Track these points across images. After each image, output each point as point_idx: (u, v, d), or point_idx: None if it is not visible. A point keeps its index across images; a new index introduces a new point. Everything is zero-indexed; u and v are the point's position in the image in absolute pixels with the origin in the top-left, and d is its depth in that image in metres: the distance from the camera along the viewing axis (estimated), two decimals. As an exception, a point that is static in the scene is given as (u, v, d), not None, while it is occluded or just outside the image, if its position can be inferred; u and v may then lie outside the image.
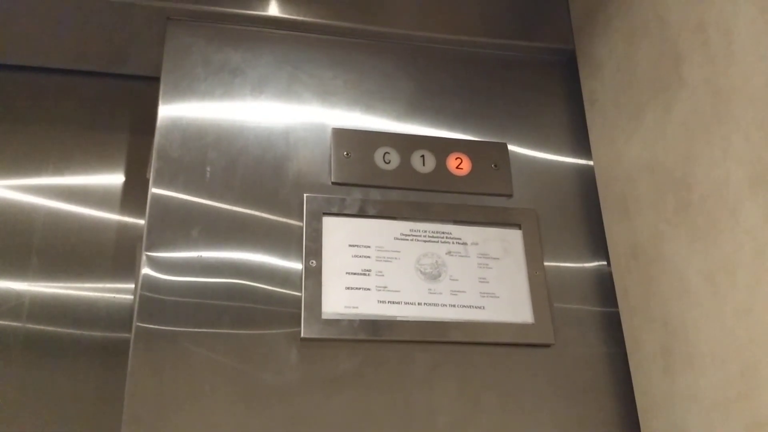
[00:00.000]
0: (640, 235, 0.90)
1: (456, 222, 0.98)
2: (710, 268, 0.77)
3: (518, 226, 0.99)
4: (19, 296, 1.00)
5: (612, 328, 0.96)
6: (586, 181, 1.05)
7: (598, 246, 1.01)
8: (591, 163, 1.05)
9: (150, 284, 0.85)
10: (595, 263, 1.00)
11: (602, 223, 1.00)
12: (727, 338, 0.74)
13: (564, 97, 1.11)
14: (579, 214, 1.03)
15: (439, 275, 0.94)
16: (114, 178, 1.10)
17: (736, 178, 0.74)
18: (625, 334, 0.93)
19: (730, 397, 0.73)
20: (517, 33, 1.13)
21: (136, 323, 0.83)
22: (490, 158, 1.03)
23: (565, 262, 0.99)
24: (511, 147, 1.05)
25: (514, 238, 0.99)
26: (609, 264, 0.98)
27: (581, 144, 1.07)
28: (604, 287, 0.98)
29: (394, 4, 1.10)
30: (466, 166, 1.02)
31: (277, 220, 0.92)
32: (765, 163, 0.70)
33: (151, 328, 0.83)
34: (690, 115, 0.82)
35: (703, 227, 0.79)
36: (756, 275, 0.71)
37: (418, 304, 0.91)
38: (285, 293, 0.88)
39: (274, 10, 1.04)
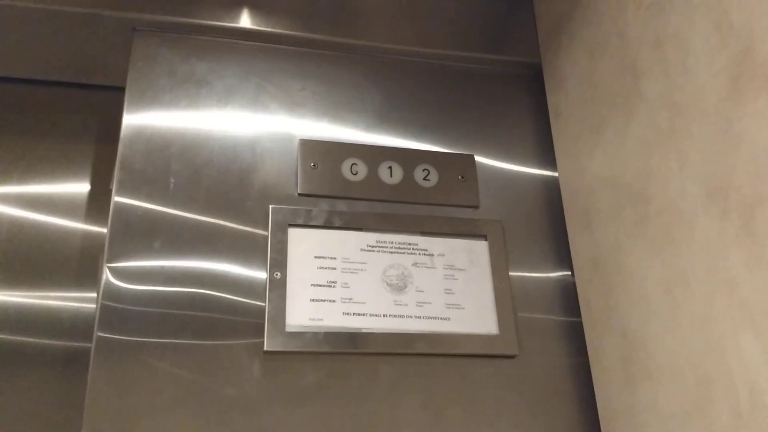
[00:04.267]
0: (602, 246, 0.91)
1: (423, 233, 0.98)
2: (667, 281, 0.78)
3: (484, 237, 1.00)
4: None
5: (576, 338, 0.97)
6: (552, 193, 1.06)
7: (563, 257, 1.02)
8: (556, 175, 1.06)
9: (111, 294, 0.84)
10: (560, 274, 1.01)
11: (567, 234, 1.01)
12: (684, 350, 0.75)
13: (530, 110, 1.13)
14: (544, 226, 1.04)
15: (405, 287, 0.94)
16: (79, 188, 1.09)
17: (691, 193, 0.75)
18: (587, 345, 0.94)
19: (687, 408, 0.74)
20: (484, 46, 1.14)
21: (96, 333, 0.82)
22: (457, 170, 1.04)
23: (530, 272, 1.00)
24: (478, 159, 1.06)
25: (480, 249, 0.99)
26: (573, 275, 0.99)
27: (547, 156, 1.08)
28: (569, 298, 0.99)
29: (363, 17, 1.11)
30: (433, 177, 1.02)
31: (241, 231, 0.92)
32: (719, 178, 0.71)
33: (113, 338, 0.82)
34: (648, 130, 0.83)
35: (660, 240, 0.80)
36: (710, 289, 0.72)
37: (384, 315, 0.91)
38: (249, 303, 0.88)
39: (241, 21, 1.04)
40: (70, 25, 1.00)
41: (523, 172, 1.07)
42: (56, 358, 0.98)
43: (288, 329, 0.87)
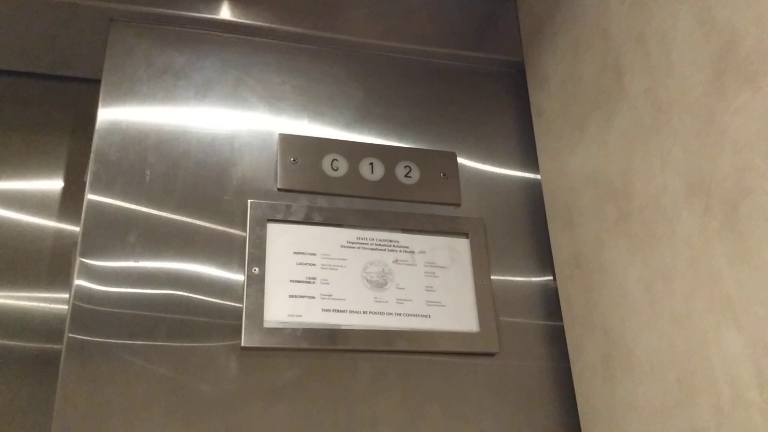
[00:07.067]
0: (583, 244, 0.91)
1: (404, 230, 0.97)
2: (648, 277, 0.78)
3: (466, 235, 0.99)
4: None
5: (556, 337, 0.96)
6: (534, 192, 1.06)
7: (544, 258, 1.01)
8: (538, 176, 1.06)
9: (83, 294, 0.82)
10: (541, 274, 1.00)
11: (548, 234, 1.01)
12: (664, 347, 0.75)
13: (513, 108, 1.12)
14: (526, 225, 1.03)
15: (386, 283, 0.93)
16: (53, 184, 1.06)
17: (673, 189, 0.75)
18: (568, 343, 0.93)
19: (668, 405, 0.74)
20: (467, 44, 1.14)
21: (67, 334, 0.80)
22: (439, 167, 1.03)
23: (511, 272, 0.99)
24: (460, 156, 1.05)
25: (461, 247, 0.98)
26: (554, 275, 0.99)
27: (529, 155, 1.08)
28: (550, 298, 0.99)
29: (345, 11, 1.09)
30: (414, 174, 1.01)
31: (219, 228, 0.90)
32: (702, 174, 0.71)
33: (84, 339, 0.80)
34: (630, 126, 0.83)
35: (641, 237, 0.79)
36: (692, 284, 0.71)
37: (364, 312, 0.90)
38: (225, 304, 0.85)
39: (221, 12, 1.02)
40: (45, 15, 0.98)
41: (505, 171, 1.07)
42: (27, 359, 0.95)
43: (266, 325, 0.85)
